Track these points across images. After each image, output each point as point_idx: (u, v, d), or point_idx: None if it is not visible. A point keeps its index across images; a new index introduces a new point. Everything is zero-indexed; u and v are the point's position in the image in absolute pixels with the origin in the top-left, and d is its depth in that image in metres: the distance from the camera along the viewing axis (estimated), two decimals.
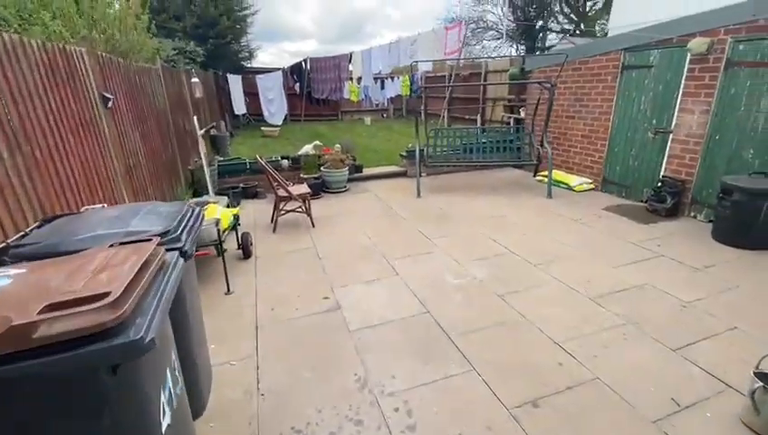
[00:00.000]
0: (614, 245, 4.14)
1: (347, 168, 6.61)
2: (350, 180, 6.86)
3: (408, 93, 15.69)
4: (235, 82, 12.73)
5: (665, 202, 4.87)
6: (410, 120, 17.60)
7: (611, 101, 5.68)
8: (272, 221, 4.92)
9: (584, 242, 4.23)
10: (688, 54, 4.57)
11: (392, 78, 15.34)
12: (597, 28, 18.71)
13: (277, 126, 13.46)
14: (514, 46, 21.27)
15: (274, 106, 14.40)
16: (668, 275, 3.48)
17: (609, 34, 7.37)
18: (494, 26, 21.59)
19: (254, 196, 6.31)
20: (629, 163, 5.54)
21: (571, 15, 20.27)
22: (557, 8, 20.46)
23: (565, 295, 3.21)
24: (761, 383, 1.88)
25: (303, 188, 4.99)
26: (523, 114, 9.72)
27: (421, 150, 6.46)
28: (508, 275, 3.54)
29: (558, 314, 2.94)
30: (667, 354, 2.49)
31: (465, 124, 13.47)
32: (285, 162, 6.80)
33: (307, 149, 7.15)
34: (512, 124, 10.67)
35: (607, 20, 18.36)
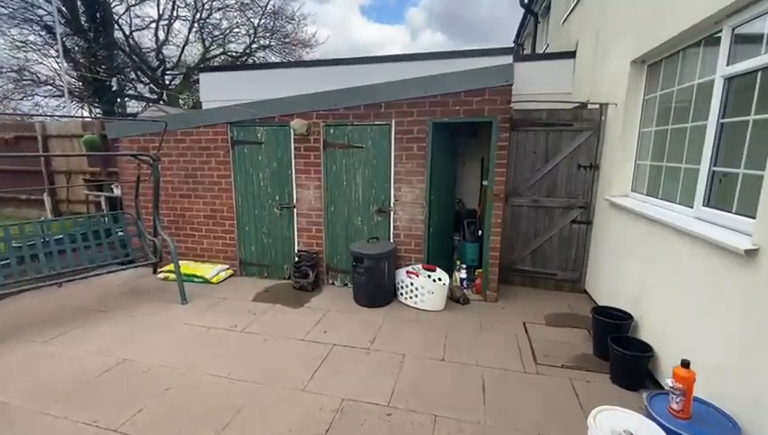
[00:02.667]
0: (285, 353, 3.38)
1: None
2: None
3: None
4: None
5: (308, 277, 4.75)
6: None
7: (229, 177, 5.09)
8: None
9: (254, 365, 3.18)
10: (292, 134, 4.71)
11: None
12: (181, 102, 18.83)
13: None
14: (87, 108, 17.57)
15: None
16: (351, 369, 3.09)
17: (203, 107, 6.91)
18: (51, 81, 16.91)
19: None
20: (264, 241, 5.14)
21: (151, 85, 19.36)
22: (132, 75, 18.91)
23: None
24: None
25: None
26: (117, 192, 7.56)
27: None
28: None
29: None
30: None
31: (20, 208, 9.15)
32: None
33: None
34: (104, 205, 8.16)
35: (189, 96, 18.91)
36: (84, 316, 4.06)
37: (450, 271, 4.72)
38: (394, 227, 4.60)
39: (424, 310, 4.19)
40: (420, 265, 4.47)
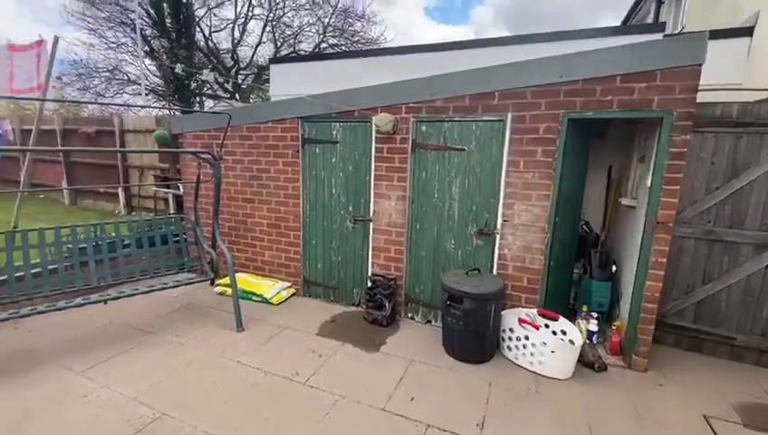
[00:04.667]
0: (360, 432, 2.46)
1: None
2: None
3: None
4: None
5: (383, 308, 3.83)
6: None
7: (297, 181, 4.34)
8: None
9: None
10: (373, 131, 3.82)
11: None
12: (251, 101, 19.16)
13: None
14: (168, 107, 18.48)
15: None
16: None
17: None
18: (137, 80, 18.02)
19: None
20: (332, 259, 4.31)
21: (225, 85, 19.96)
22: (211, 77, 19.61)
23: None
24: None
25: None
26: (182, 190, 7.27)
27: None
28: None
29: None
30: None
31: (98, 201, 9.37)
32: None
33: None
34: (171, 202, 7.98)
35: (260, 95, 19.17)
36: (130, 338, 3.49)
37: (568, 317, 3.52)
38: (500, 255, 3.51)
39: (544, 376, 3.05)
40: (535, 311, 3.34)
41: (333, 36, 19.36)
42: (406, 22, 30.01)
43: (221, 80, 19.69)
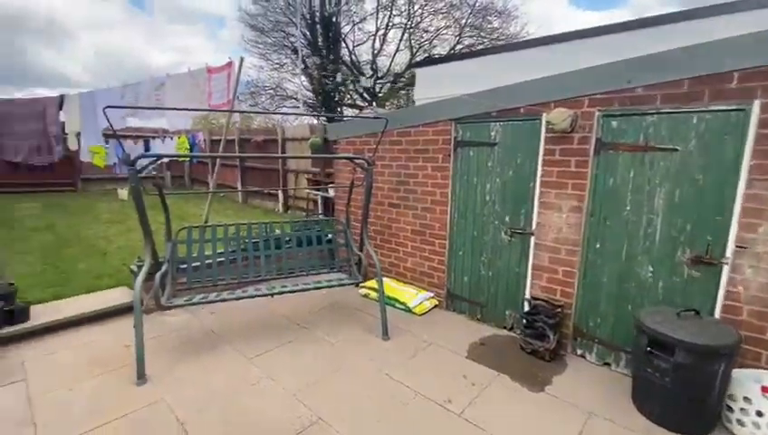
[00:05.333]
0: None
1: None
2: None
3: (186, 159, 12.08)
4: None
5: (545, 339, 3.25)
6: (194, 190, 13.72)
7: (446, 188, 4.07)
8: None
9: None
10: (543, 130, 3.28)
11: (167, 137, 11.58)
12: (386, 108, 20.01)
13: None
14: (316, 118, 20.72)
15: None
16: None
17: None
18: (294, 95, 20.67)
19: None
20: (481, 273, 3.90)
21: (364, 94, 21.33)
22: (351, 86, 21.24)
23: None
24: None
25: None
26: (331, 192, 7.79)
27: (159, 267, 3.33)
28: None
29: None
30: None
31: (263, 201, 10.81)
32: None
33: None
34: (320, 204, 8.65)
35: (396, 101, 19.88)
36: (289, 331, 3.72)
37: None
38: (728, 294, 2.57)
39: None
40: None
41: (470, 36, 18.85)
42: (546, 13, 27.38)
43: (360, 90, 21.12)
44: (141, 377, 2.86)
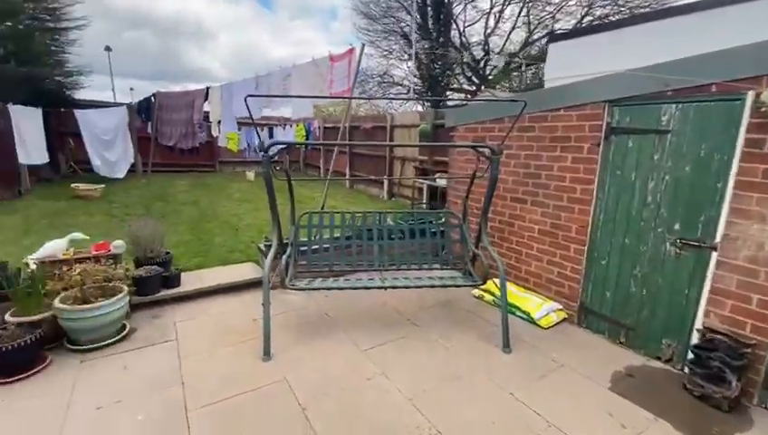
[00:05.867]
0: None
1: (121, 294, 3.21)
2: (151, 304, 3.66)
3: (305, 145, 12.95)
4: (25, 117, 8.49)
5: (725, 385, 2.52)
6: (308, 175, 14.77)
7: (590, 184, 3.44)
8: None
9: None
10: (746, 113, 2.48)
11: (287, 125, 12.62)
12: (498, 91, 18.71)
13: (114, 178, 9.76)
14: (422, 104, 20.48)
15: (114, 152, 10.41)
16: None
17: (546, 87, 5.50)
18: (401, 81, 20.70)
19: None
20: (632, 289, 3.23)
21: (472, 78, 20.30)
22: (458, 70, 20.39)
23: None
24: None
25: None
26: (440, 182, 7.50)
27: (284, 248, 3.51)
28: None
29: None
30: None
31: (368, 187, 11.03)
32: None
33: (53, 247, 3.62)
34: (425, 192, 8.45)
35: (509, 83, 18.47)
36: (400, 326, 3.59)
37: None
38: None
39: None
40: None
41: (601, 6, 16.41)
42: None
43: (469, 73, 20.15)
44: (267, 353, 3.00)
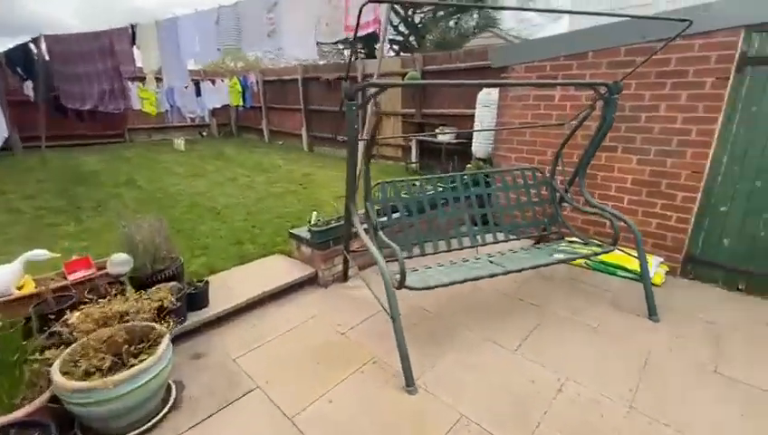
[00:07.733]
0: None
1: (164, 342, 2.01)
2: (181, 337, 2.45)
3: (240, 103, 11.09)
4: None
5: None
6: (248, 140, 12.73)
7: (712, 123, 3.09)
8: None
9: None
10: None
11: (212, 81, 10.46)
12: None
13: None
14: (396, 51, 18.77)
15: None
16: None
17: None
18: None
19: None
20: (760, 234, 3.05)
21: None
22: None
23: None
24: None
25: None
26: (443, 137, 6.80)
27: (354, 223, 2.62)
28: None
29: None
30: None
31: (334, 148, 9.82)
32: None
33: None
34: (413, 150, 7.73)
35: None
36: (519, 310, 3.01)
37: None
38: None
39: None
40: None
41: None
42: None
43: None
44: (411, 383, 2.20)
